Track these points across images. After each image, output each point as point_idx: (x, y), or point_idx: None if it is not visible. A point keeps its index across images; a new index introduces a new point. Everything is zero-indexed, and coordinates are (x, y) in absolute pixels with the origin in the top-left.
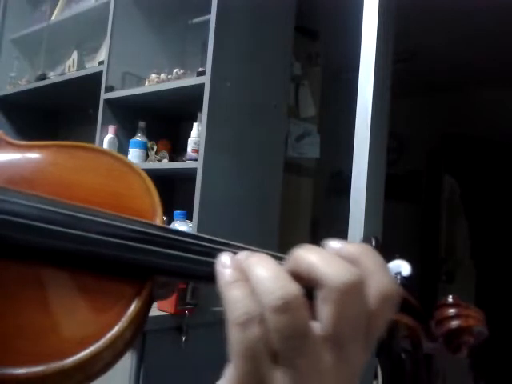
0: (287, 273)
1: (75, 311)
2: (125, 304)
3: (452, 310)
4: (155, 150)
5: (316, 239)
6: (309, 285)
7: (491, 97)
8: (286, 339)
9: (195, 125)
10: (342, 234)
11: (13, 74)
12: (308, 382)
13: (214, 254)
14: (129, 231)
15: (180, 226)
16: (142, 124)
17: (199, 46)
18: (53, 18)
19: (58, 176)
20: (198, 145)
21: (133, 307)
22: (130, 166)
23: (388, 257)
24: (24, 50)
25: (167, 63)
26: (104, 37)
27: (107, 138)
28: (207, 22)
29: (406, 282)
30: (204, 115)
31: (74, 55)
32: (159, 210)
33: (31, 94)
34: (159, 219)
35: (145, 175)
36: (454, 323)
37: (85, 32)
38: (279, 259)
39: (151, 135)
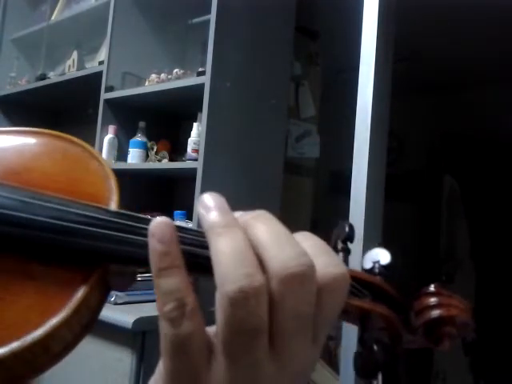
0: (252, 250)
1: (18, 297)
2: (71, 291)
3: (433, 299)
4: (155, 149)
5: None
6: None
7: (491, 97)
8: (236, 333)
9: (195, 125)
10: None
11: (13, 74)
12: (248, 377)
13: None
14: (76, 215)
15: None
16: (142, 124)
17: (199, 46)
18: (53, 18)
19: (7, 161)
20: (198, 145)
21: (79, 294)
22: (88, 151)
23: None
24: (24, 50)
25: (167, 63)
26: (104, 37)
27: (107, 138)
28: (207, 22)
29: (384, 271)
30: (204, 115)
31: (74, 55)
32: (116, 195)
33: (31, 93)
34: (115, 205)
35: (103, 161)
36: (435, 313)
37: (85, 32)
38: None
39: (151, 135)
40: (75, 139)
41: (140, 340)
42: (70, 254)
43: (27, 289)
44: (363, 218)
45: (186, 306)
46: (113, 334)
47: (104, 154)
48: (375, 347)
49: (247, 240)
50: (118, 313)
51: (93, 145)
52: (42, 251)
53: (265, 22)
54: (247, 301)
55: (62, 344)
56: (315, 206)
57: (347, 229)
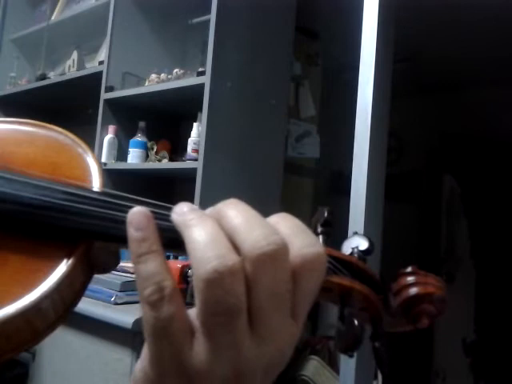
0: (224, 234)
1: (3, 271)
2: (54, 265)
3: (410, 278)
4: (155, 149)
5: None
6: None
7: (491, 97)
8: (213, 313)
9: (195, 125)
10: (342, 234)
11: (13, 74)
12: (228, 356)
13: (160, 216)
14: (59, 192)
15: None
16: (141, 124)
17: (199, 46)
18: (53, 18)
19: None
20: (198, 145)
21: (62, 268)
22: (71, 138)
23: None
24: (24, 50)
25: (167, 63)
26: (104, 37)
27: (107, 138)
28: (207, 22)
29: (362, 255)
30: (204, 115)
31: (74, 55)
32: (98, 180)
33: (31, 93)
34: (97, 188)
35: (86, 148)
36: (413, 290)
37: (85, 32)
38: None
39: (151, 135)
40: (58, 128)
41: (140, 340)
42: (54, 229)
43: (10, 262)
44: (363, 217)
45: (165, 289)
46: (113, 333)
47: (104, 154)
48: (355, 322)
49: (217, 226)
50: (118, 313)
51: (93, 145)
52: (25, 226)
53: (265, 22)
54: (222, 280)
55: (45, 320)
56: (315, 206)
57: (326, 214)
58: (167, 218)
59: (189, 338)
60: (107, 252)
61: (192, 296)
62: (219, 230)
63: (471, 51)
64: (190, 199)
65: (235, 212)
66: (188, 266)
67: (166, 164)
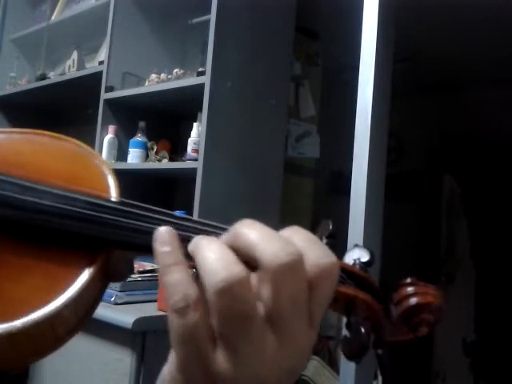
0: (231, 251)
1: (26, 278)
2: (77, 273)
3: (410, 289)
4: (155, 149)
5: None
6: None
7: (491, 97)
8: (229, 322)
9: (195, 125)
10: (342, 233)
11: (13, 74)
12: (251, 363)
13: (177, 226)
14: (80, 202)
15: None
16: (141, 124)
17: (199, 46)
18: (53, 18)
19: (10, 157)
20: (198, 145)
21: (85, 277)
22: (87, 150)
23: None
24: (24, 50)
25: (167, 63)
26: (104, 37)
27: (107, 138)
28: (207, 22)
29: (364, 267)
30: (204, 115)
31: (74, 55)
32: (115, 190)
33: (31, 93)
34: (115, 198)
35: (102, 160)
36: (413, 300)
37: (85, 32)
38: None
39: (151, 135)
40: (74, 140)
41: (140, 340)
42: (75, 238)
43: (34, 269)
44: (363, 217)
45: (190, 297)
46: (113, 333)
47: (104, 154)
48: (362, 330)
49: (223, 245)
50: (118, 313)
51: (93, 145)
52: (48, 235)
53: (265, 22)
54: (230, 289)
55: (67, 326)
56: (315, 206)
57: (331, 226)
58: (188, 230)
59: (213, 344)
60: (123, 260)
61: None
62: (225, 248)
63: (471, 51)
64: (190, 199)
65: (251, 229)
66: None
67: (165, 164)
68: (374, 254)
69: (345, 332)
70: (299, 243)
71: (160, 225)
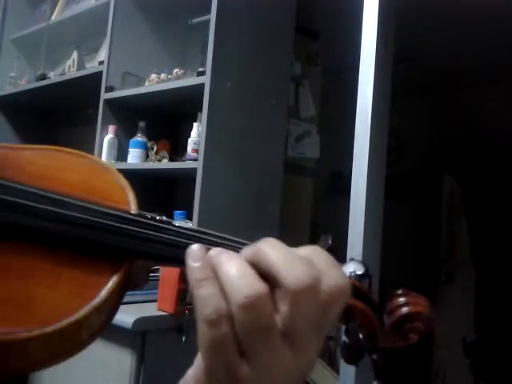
0: (251, 267)
1: (57, 284)
2: (104, 280)
3: (402, 299)
4: (155, 149)
5: (316, 239)
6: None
7: (491, 97)
8: (252, 334)
9: (195, 125)
10: (342, 234)
11: (13, 74)
12: (272, 371)
13: (187, 237)
14: (105, 214)
15: None
16: (141, 124)
17: (199, 46)
18: (53, 18)
19: (38, 172)
20: (198, 145)
21: (110, 284)
22: (104, 166)
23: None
24: (24, 50)
25: (167, 63)
26: (104, 37)
27: (107, 138)
28: (207, 22)
29: (359, 278)
30: (204, 115)
31: (74, 55)
32: (134, 203)
33: (31, 93)
34: (134, 211)
35: (119, 174)
36: (405, 309)
37: (85, 32)
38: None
39: (151, 135)
40: (90, 155)
41: (140, 340)
42: (101, 247)
43: (65, 276)
44: (363, 217)
45: (222, 310)
46: (113, 334)
47: (104, 154)
48: (360, 336)
49: (243, 261)
50: (118, 313)
51: (93, 145)
52: (76, 244)
53: (265, 22)
54: (253, 304)
55: (92, 330)
56: (315, 206)
57: (330, 241)
58: (208, 243)
59: (239, 353)
60: (142, 270)
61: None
62: (245, 264)
63: (471, 51)
64: (190, 199)
65: (274, 250)
66: None
67: (166, 164)
68: (369, 267)
69: (344, 338)
70: (319, 264)
71: (178, 236)
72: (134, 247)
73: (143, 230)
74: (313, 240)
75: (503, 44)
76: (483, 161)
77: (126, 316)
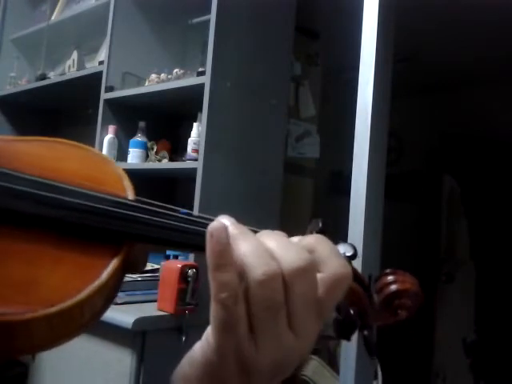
0: (263, 246)
1: (60, 267)
2: (104, 263)
3: (390, 277)
4: (155, 149)
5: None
6: None
7: (491, 97)
8: (265, 312)
9: (195, 125)
10: (342, 233)
11: (13, 74)
12: (275, 351)
13: (189, 221)
14: (105, 200)
15: None
16: (141, 124)
17: (199, 46)
18: (53, 18)
19: (35, 162)
20: (198, 145)
21: (111, 266)
22: (101, 156)
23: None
24: (24, 50)
25: (167, 63)
26: (104, 37)
27: (107, 138)
28: (207, 22)
29: (349, 260)
30: (204, 115)
31: (74, 55)
32: (131, 190)
33: (31, 93)
34: (132, 197)
35: (115, 164)
36: (393, 287)
37: (85, 32)
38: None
39: (151, 135)
40: (89, 147)
41: (140, 340)
42: (102, 232)
43: (67, 259)
44: (363, 217)
45: (238, 295)
46: (113, 333)
47: (104, 154)
48: (351, 311)
49: (259, 240)
50: (118, 313)
51: (93, 145)
52: (78, 229)
53: (265, 22)
54: (270, 281)
55: (94, 311)
56: (315, 206)
57: (320, 224)
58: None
59: (249, 332)
60: (142, 253)
61: (192, 296)
62: (261, 243)
63: (471, 51)
64: (190, 199)
65: (271, 237)
66: (188, 266)
67: (166, 164)
68: (357, 248)
69: (335, 315)
70: (323, 252)
71: (177, 221)
72: (132, 231)
73: (141, 215)
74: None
75: (503, 44)
76: (483, 161)
77: (126, 316)
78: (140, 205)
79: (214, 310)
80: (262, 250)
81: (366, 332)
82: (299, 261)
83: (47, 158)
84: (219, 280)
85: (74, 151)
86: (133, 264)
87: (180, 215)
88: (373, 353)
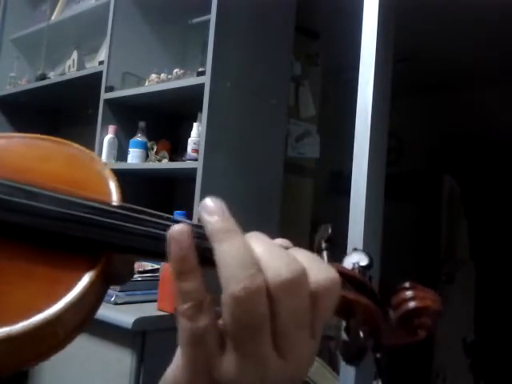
0: (250, 252)
1: (27, 282)
2: (77, 276)
3: (409, 293)
4: (155, 149)
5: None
6: None
7: (491, 97)
8: (243, 328)
9: (195, 125)
10: (342, 234)
11: (13, 74)
12: (255, 369)
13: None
14: (82, 206)
15: None
16: (141, 124)
17: (199, 46)
18: (53, 18)
19: (14, 163)
20: (198, 145)
21: (85, 280)
22: (88, 155)
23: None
24: (24, 50)
25: (167, 63)
26: (104, 37)
27: (107, 138)
28: (207, 22)
29: (363, 270)
30: (204, 115)
31: (74, 55)
32: (116, 195)
33: (31, 93)
34: (116, 202)
35: (102, 164)
36: (412, 304)
37: (85, 32)
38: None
39: (151, 135)
40: (76, 145)
41: (140, 340)
42: (77, 241)
43: (36, 273)
44: (363, 217)
45: (202, 305)
46: (113, 333)
47: (104, 154)
48: (361, 334)
49: (247, 244)
50: (118, 313)
51: (93, 145)
52: (50, 239)
53: (265, 22)
54: (250, 298)
55: (67, 329)
56: (315, 206)
57: (330, 230)
58: (200, 235)
59: (220, 348)
60: (124, 264)
61: None
62: (248, 249)
63: (471, 51)
64: (190, 199)
65: (257, 243)
66: None
67: (166, 164)
68: (373, 257)
69: (343, 336)
70: (302, 259)
71: (163, 229)
72: (111, 240)
73: (121, 223)
74: (313, 240)
75: (503, 44)
76: (483, 161)
77: (126, 316)
78: (122, 211)
79: (178, 319)
80: (247, 256)
81: (378, 354)
82: (290, 271)
83: (25, 157)
84: (180, 289)
85: (59, 150)
86: (116, 276)
87: (167, 223)
88: (384, 377)
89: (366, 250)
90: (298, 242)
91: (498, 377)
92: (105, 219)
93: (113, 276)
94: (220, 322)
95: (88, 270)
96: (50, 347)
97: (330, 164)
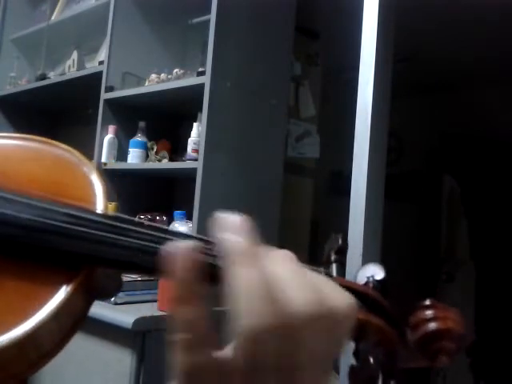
0: (268, 287)
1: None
2: (52, 292)
3: (429, 312)
4: (155, 149)
5: (316, 239)
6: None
7: (491, 97)
8: (254, 369)
9: (195, 125)
10: (342, 234)
11: (13, 74)
12: None
13: (159, 241)
14: (60, 214)
15: (180, 226)
16: (141, 124)
17: (199, 46)
18: (53, 18)
19: None
20: (198, 145)
21: (60, 296)
22: (77, 157)
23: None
24: (24, 50)
25: (167, 63)
26: (104, 37)
27: (107, 138)
28: (207, 22)
29: (378, 285)
30: (204, 115)
31: (74, 55)
32: (101, 200)
33: (31, 93)
34: (101, 208)
35: (91, 167)
36: (432, 325)
37: (85, 32)
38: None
39: (151, 135)
40: (64, 145)
41: (140, 340)
42: (54, 254)
43: (7, 288)
44: (363, 218)
45: (202, 338)
46: (113, 333)
47: (104, 154)
48: (371, 359)
49: (265, 276)
50: (118, 313)
51: (93, 145)
52: (24, 250)
53: (265, 22)
54: (263, 340)
55: (40, 350)
56: (315, 206)
57: (340, 241)
58: (207, 252)
59: (219, 381)
60: (109, 277)
61: None
62: (266, 282)
63: (471, 51)
64: (190, 199)
65: (286, 266)
66: None
67: (166, 164)
68: (388, 271)
69: (351, 360)
70: (321, 289)
71: (152, 241)
72: (91, 253)
73: (103, 233)
74: (313, 240)
75: (503, 44)
76: (483, 161)
77: (125, 316)
78: (104, 220)
79: (174, 351)
80: (270, 287)
81: (392, 382)
82: (318, 310)
83: (7, 158)
84: (179, 315)
85: (44, 151)
86: (101, 289)
87: (162, 235)
88: None
89: (382, 264)
90: (298, 242)
91: (498, 377)
92: (83, 229)
93: (97, 289)
94: (223, 353)
95: (64, 284)
96: (20, 369)
97: (330, 164)
